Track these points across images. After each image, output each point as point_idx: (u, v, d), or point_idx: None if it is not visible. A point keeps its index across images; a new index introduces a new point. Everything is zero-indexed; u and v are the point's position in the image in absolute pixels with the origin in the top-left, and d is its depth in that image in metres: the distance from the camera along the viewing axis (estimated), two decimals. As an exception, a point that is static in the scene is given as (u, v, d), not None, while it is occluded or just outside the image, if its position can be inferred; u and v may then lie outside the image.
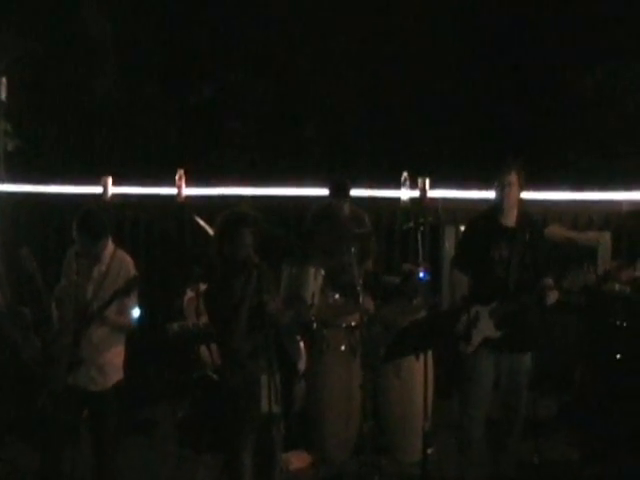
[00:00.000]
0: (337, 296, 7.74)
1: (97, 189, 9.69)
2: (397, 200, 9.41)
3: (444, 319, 6.49)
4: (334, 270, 7.73)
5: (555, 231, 8.40)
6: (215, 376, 6.73)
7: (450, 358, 6.75)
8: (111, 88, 12.50)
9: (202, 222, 7.94)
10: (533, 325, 6.53)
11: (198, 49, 12.77)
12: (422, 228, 8.52)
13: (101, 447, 6.22)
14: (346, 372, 7.33)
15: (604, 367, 7.38)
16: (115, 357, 6.26)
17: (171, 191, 9.66)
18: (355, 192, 8.44)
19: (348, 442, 7.33)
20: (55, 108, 12.29)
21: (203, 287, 6.99)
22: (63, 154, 12.22)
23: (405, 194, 9.37)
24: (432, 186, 9.35)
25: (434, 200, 9.19)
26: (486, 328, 6.38)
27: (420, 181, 9.36)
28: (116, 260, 6.22)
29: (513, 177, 6.41)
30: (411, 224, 8.72)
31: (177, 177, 9.62)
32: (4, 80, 9.89)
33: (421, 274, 7.99)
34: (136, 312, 6.19)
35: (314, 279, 7.47)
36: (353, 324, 7.36)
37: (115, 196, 9.68)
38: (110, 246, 6.26)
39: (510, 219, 6.48)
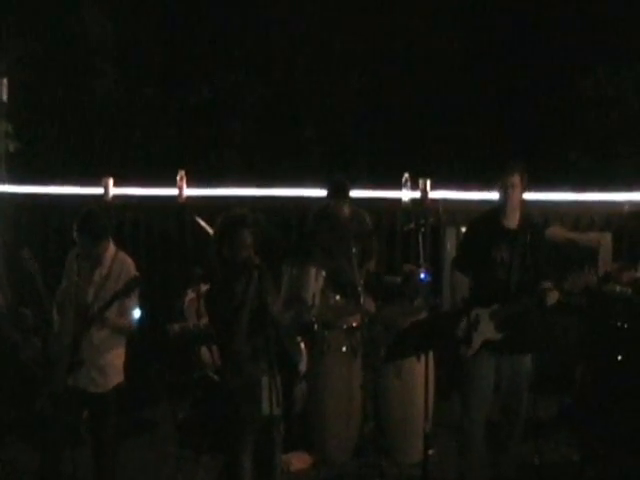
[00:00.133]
0: (338, 297, 7.74)
1: (98, 190, 9.69)
2: (398, 201, 9.41)
3: (445, 320, 6.49)
4: (335, 271, 7.73)
5: (556, 232, 8.39)
6: (216, 377, 6.73)
7: (451, 360, 6.76)
8: (112, 88, 12.50)
9: (203, 223, 7.94)
10: (534, 327, 6.52)
11: (198, 49, 12.77)
12: (423, 229, 8.51)
13: (101, 448, 6.22)
14: (347, 373, 7.32)
15: (605, 368, 7.37)
16: (116, 359, 6.26)
17: (172, 192, 9.66)
18: (356, 193, 8.44)
19: (349, 443, 7.33)
20: (56, 109, 12.29)
21: (204, 288, 7.00)
22: (64, 155, 12.22)
23: (406, 195, 9.38)
24: (433, 187, 9.35)
25: (435, 201, 9.18)
26: (487, 330, 6.38)
27: (421, 182, 9.36)
28: (117, 262, 6.22)
29: (516, 179, 6.41)
30: (412, 225, 8.71)
31: (178, 178, 9.62)
32: (5, 81, 9.89)
33: (422, 275, 7.99)
34: (137, 313, 6.19)
35: (315, 280, 7.46)
36: (354, 325, 7.36)
37: (116, 197, 9.68)
38: (111, 248, 6.26)
39: (512, 221, 6.47)
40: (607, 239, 8.48)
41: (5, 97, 9.95)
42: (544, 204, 8.98)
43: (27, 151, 10.62)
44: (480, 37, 12.32)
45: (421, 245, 8.26)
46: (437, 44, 12.61)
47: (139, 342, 6.54)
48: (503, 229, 6.46)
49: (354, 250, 7.22)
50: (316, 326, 7.41)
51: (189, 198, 9.63)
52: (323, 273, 7.55)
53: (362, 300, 7.13)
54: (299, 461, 7.33)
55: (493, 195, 6.68)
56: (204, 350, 7.24)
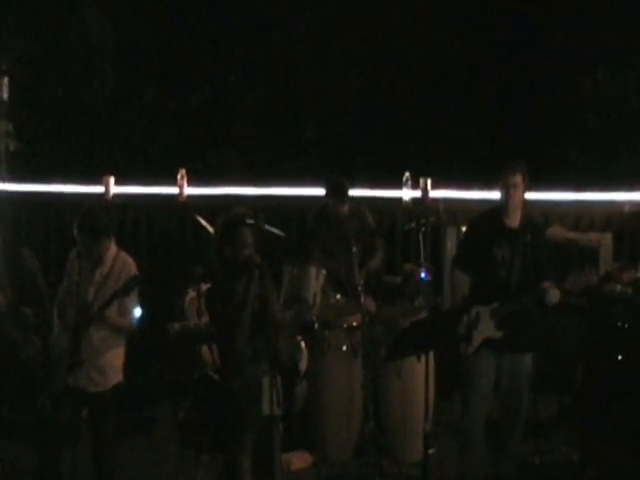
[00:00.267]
0: (338, 296, 7.74)
1: (99, 189, 9.69)
2: (399, 200, 9.42)
3: (445, 319, 6.50)
4: (335, 270, 7.73)
5: (557, 232, 8.39)
6: (216, 376, 6.73)
7: (451, 359, 6.76)
8: (112, 88, 12.49)
9: (204, 222, 7.95)
10: (534, 326, 6.53)
11: (198, 50, 12.77)
12: (424, 228, 8.53)
13: (100, 448, 6.22)
14: (347, 372, 7.32)
15: (605, 368, 7.37)
16: (115, 359, 6.25)
17: (173, 191, 9.66)
18: (356, 192, 8.44)
19: (349, 442, 7.33)
20: (56, 108, 12.28)
21: (204, 287, 7.00)
22: (64, 154, 12.22)
23: (407, 194, 9.38)
24: (434, 186, 9.35)
25: (436, 200, 9.17)
26: (487, 329, 6.38)
27: (422, 181, 9.36)
28: (118, 262, 6.22)
29: (518, 178, 6.42)
30: (413, 224, 8.72)
31: (179, 177, 9.62)
32: (5, 80, 9.89)
33: (422, 274, 8.00)
34: (137, 312, 6.19)
35: (315, 279, 7.46)
36: (354, 324, 7.36)
37: (117, 196, 9.68)
38: (113, 248, 6.26)
39: (514, 220, 6.48)
40: (608, 239, 8.48)
41: (5, 96, 9.96)
42: (544, 204, 8.98)
43: (27, 150, 10.62)
44: (480, 37, 12.31)
45: (422, 244, 8.27)
46: (437, 43, 12.60)
47: (139, 341, 6.54)
48: (504, 228, 6.46)
49: (354, 249, 7.22)
50: (316, 325, 7.41)
51: (190, 197, 9.64)
52: (323, 272, 7.55)
53: (362, 299, 7.13)
54: (299, 460, 7.34)
55: (494, 194, 6.68)
56: (205, 349, 7.24)
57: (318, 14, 12.89)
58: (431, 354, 6.19)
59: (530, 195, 6.71)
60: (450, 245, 8.79)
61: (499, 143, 11.66)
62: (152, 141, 12.63)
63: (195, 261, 7.74)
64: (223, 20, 12.64)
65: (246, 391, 5.66)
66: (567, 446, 7.45)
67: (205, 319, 6.91)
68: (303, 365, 7.46)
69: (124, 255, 6.30)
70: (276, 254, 7.55)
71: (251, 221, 5.91)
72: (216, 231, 5.92)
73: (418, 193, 9.36)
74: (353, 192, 8.21)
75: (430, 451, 6.25)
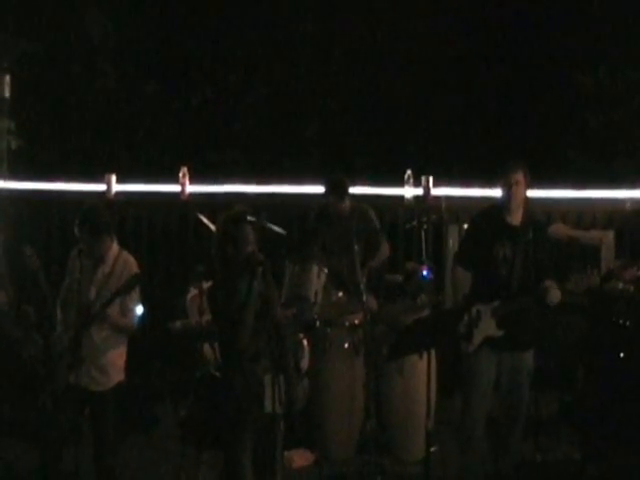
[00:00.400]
0: (340, 294, 7.74)
1: (100, 187, 9.69)
2: (401, 198, 9.42)
3: (447, 318, 6.49)
4: (337, 268, 7.73)
5: (558, 230, 8.38)
6: (218, 374, 6.73)
7: (452, 357, 6.76)
8: (113, 86, 12.50)
9: (205, 219, 7.94)
10: (535, 324, 6.52)
11: (200, 49, 12.77)
12: (425, 226, 8.53)
13: (101, 447, 6.22)
14: (349, 371, 7.33)
15: (607, 366, 7.37)
16: (117, 358, 6.25)
17: (174, 188, 9.66)
18: (358, 190, 8.42)
19: (351, 441, 7.33)
20: (58, 106, 12.29)
21: (206, 285, 7.00)
22: (66, 152, 12.23)
23: (409, 192, 9.38)
24: (435, 184, 9.35)
25: (437, 198, 9.16)
26: (488, 327, 6.37)
27: (424, 179, 9.36)
28: (120, 261, 6.22)
29: (520, 176, 6.41)
30: (414, 222, 8.71)
31: (181, 174, 9.62)
32: (7, 78, 9.89)
33: (424, 272, 8.00)
34: (139, 310, 6.19)
35: (317, 277, 7.46)
36: (356, 322, 7.37)
37: (118, 193, 9.68)
38: (115, 247, 6.26)
39: (516, 218, 6.47)
40: (609, 237, 8.47)
41: (7, 94, 9.96)
42: (546, 202, 8.98)
43: (29, 148, 10.63)
44: (481, 35, 12.31)
45: (423, 242, 8.27)
46: (439, 42, 12.59)
47: (141, 339, 6.55)
48: (506, 226, 6.46)
49: (356, 247, 7.21)
50: (318, 323, 7.42)
51: (191, 195, 9.64)
52: (325, 270, 7.54)
53: (364, 298, 7.12)
54: (301, 458, 7.34)
55: (495, 192, 6.68)
56: (206, 347, 7.24)
57: (319, 14, 12.89)
58: (433, 352, 6.19)
59: (532, 193, 6.70)
60: (452, 243, 8.79)
61: (500, 141, 11.66)
62: (154, 139, 12.64)
63: (197, 259, 7.75)
64: (224, 19, 12.64)
65: (248, 389, 5.66)
66: (568, 444, 7.45)
67: (207, 317, 6.90)
68: (305, 363, 7.45)
69: (126, 254, 6.30)
70: (278, 252, 7.55)
71: (252, 218, 5.90)
72: (218, 229, 5.92)
73: (420, 191, 9.36)
74: (355, 190, 8.21)
75: (432, 449, 6.24)
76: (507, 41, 12.16)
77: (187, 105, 12.81)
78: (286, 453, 6.81)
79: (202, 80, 12.83)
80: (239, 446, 5.65)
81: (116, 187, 9.69)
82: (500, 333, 6.37)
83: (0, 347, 7.48)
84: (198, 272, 7.37)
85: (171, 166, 9.83)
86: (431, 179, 9.35)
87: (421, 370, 6.66)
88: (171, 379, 8.05)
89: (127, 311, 6.14)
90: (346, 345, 7.36)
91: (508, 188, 6.42)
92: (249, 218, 5.83)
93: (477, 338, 6.36)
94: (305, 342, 7.48)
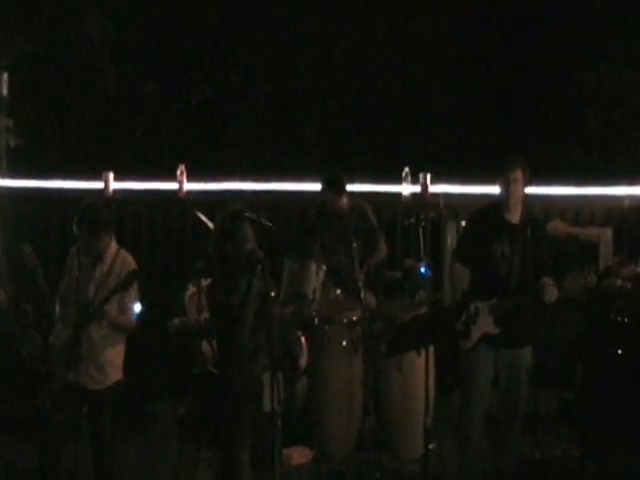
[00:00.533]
0: (338, 292, 7.74)
1: (98, 184, 9.67)
2: (398, 195, 9.41)
3: (445, 315, 6.49)
4: (335, 266, 7.73)
5: (557, 227, 8.38)
6: (216, 372, 6.73)
7: (451, 354, 6.76)
8: (113, 85, 12.49)
9: (204, 217, 7.94)
10: (532, 322, 6.52)
11: (199, 49, 12.76)
12: (423, 223, 8.52)
13: (100, 445, 6.22)
14: (347, 368, 7.33)
15: (605, 363, 7.37)
16: (115, 356, 6.25)
17: (172, 186, 9.65)
18: (356, 187, 8.41)
19: (349, 438, 7.33)
20: (57, 104, 12.28)
21: (205, 282, 7.00)
22: (65, 150, 12.21)
23: (406, 189, 9.38)
24: (433, 181, 9.35)
25: (435, 195, 9.16)
26: (485, 324, 6.37)
27: (421, 176, 9.36)
28: (119, 260, 6.22)
29: (518, 174, 6.41)
30: (412, 220, 8.71)
31: (178, 172, 9.61)
32: (5, 76, 9.88)
33: (422, 270, 7.99)
34: (137, 307, 6.20)
35: (315, 275, 7.46)
36: (354, 319, 7.36)
37: (116, 191, 9.67)
38: (113, 245, 6.26)
39: (514, 216, 6.47)
40: (608, 234, 8.47)
41: (5, 92, 9.94)
42: (544, 199, 8.98)
43: (28, 146, 10.61)
44: (481, 33, 12.31)
45: (421, 240, 8.27)
46: (438, 40, 12.59)
47: (139, 337, 6.54)
48: (505, 223, 6.46)
49: (354, 245, 7.21)
50: (317, 320, 7.41)
51: (190, 192, 9.63)
52: (324, 268, 7.55)
53: (363, 295, 7.12)
54: (300, 456, 7.34)
55: (494, 189, 6.68)
56: (205, 345, 7.25)
57: (318, 13, 12.88)
58: (431, 349, 6.19)
59: (530, 190, 6.70)
60: (450, 240, 8.79)
61: (499, 138, 11.65)
62: (152, 136, 12.63)
63: (195, 256, 7.74)
64: (224, 19, 12.63)
65: (246, 387, 5.66)
66: (567, 441, 7.46)
67: (205, 315, 6.91)
68: (303, 361, 7.46)
69: (124, 253, 6.30)
70: (275, 249, 7.54)
71: (250, 215, 5.90)
72: (216, 227, 5.91)
73: (418, 188, 9.36)
74: (353, 187, 8.20)
75: (430, 446, 6.24)
76: (506, 39, 12.15)
77: (187, 105, 12.80)
78: (285, 450, 6.82)
79: (202, 80, 12.81)
80: (237, 444, 5.66)
81: (114, 185, 9.67)
82: (498, 330, 6.37)
83: (-1, 345, 7.49)
84: (196, 269, 7.38)
85: (171, 166, 9.81)
86: (429, 176, 9.35)
87: (419, 367, 6.67)
88: (169, 377, 8.04)
89: (125, 309, 6.15)
90: (344, 342, 7.35)
91: (507, 185, 6.42)
92: (247, 215, 5.83)
93: (475, 335, 6.37)
94: (303, 339, 7.50)
